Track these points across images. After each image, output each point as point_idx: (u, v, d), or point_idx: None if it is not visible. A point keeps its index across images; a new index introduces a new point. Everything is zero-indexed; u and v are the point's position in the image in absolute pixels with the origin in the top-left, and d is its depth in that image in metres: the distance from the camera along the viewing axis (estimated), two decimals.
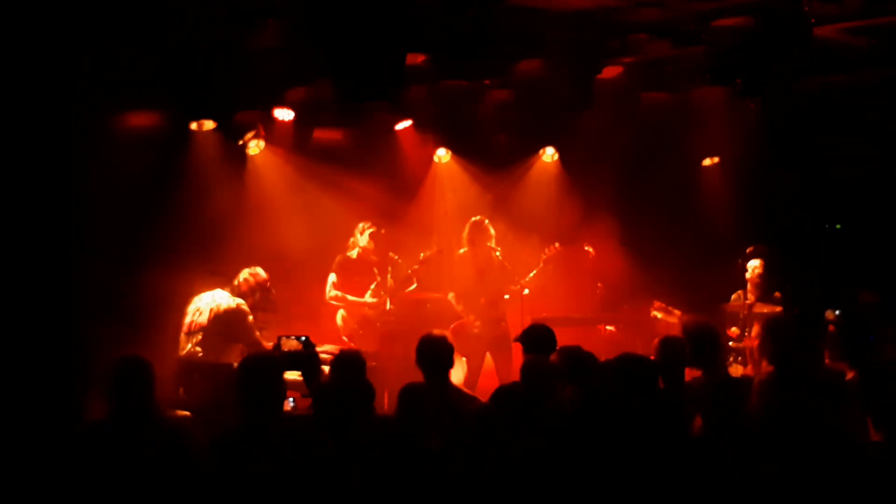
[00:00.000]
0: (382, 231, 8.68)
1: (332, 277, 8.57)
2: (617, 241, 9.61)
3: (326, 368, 5.37)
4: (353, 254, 8.67)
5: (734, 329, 8.33)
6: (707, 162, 10.45)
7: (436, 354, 5.35)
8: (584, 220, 9.71)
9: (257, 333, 6.88)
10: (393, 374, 6.87)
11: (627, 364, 4.75)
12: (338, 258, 8.64)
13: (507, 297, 8.71)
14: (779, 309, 8.46)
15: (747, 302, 8.48)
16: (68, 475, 4.29)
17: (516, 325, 8.16)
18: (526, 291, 8.82)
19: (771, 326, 5.57)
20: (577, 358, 5.17)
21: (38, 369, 4.88)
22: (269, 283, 7.14)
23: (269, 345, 6.55)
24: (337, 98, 8.35)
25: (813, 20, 6.32)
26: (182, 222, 7.66)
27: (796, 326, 6.59)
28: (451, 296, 8.80)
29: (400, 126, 9.58)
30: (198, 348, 6.76)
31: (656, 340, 5.41)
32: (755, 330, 6.73)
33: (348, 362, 5.19)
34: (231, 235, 7.99)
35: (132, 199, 7.19)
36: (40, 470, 4.47)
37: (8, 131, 4.95)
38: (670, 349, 5.34)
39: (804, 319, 6.94)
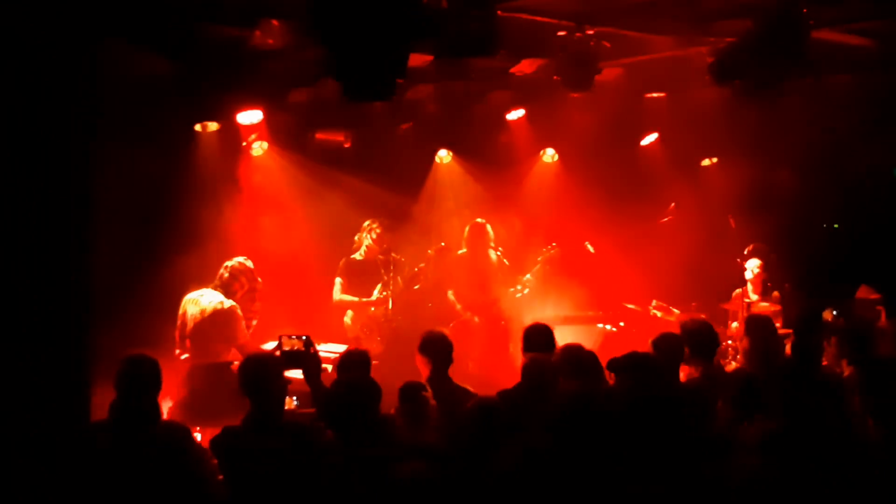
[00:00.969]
0: (385, 231, 8.70)
1: (339, 281, 8.60)
2: (616, 240, 9.64)
3: (329, 367, 5.40)
4: (359, 255, 8.68)
5: (734, 326, 8.37)
6: (707, 162, 10.49)
7: (437, 349, 5.54)
8: (584, 219, 9.74)
9: (248, 334, 6.84)
10: (398, 374, 6.90)
11: (635, 361, 4.80)
12: (342, 262, 8.66)
13: (507, 295, 8.75)
14: (778, 308, 8.51)
15: (747, 301, 8.52)
16: (68, 475, 4.32)
17: (516, 326, 8.18)
18: (525, 291, 8.86)
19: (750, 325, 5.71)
20: (577, 358, 5.21)
21: (38, 369, 4.89)
22: (254, 273, 7.05)
23: (258, 346, 6.55)
24: (340, 98, 8.33)
25: (812, 22, 6.35)
26: (186, 223, 7.67)
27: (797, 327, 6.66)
28: (450, 294, 8.85)
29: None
30: (192, 348, 6.74)
31: (651, 338, 5.46)
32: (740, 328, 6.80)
33: (354, 362, 5.23)
34: (234, 236, 8.00)
35: (135, 199, 7.19)
36: (41, 470, 4.49)
37: (8, 131, 4.96)
38: (666, 346, 5.38)
39: (804, 319, 6.96)
